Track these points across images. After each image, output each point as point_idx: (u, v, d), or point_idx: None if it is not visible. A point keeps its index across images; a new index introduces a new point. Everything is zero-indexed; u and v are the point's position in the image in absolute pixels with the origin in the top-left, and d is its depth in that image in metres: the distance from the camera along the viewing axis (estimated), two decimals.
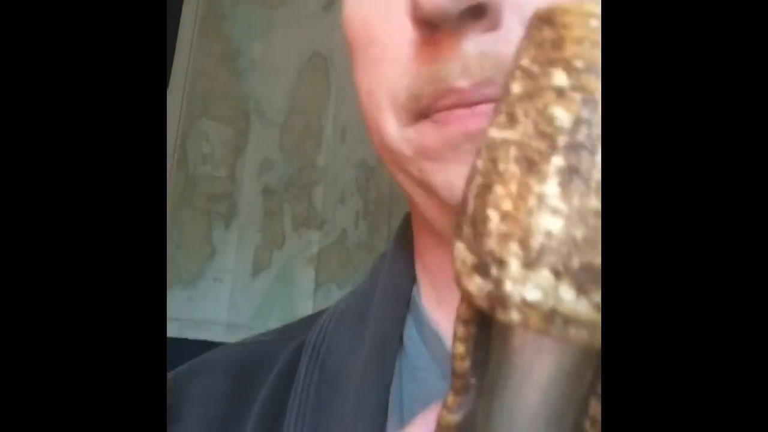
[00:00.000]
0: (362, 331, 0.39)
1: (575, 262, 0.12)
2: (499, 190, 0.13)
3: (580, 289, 0.12)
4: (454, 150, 0.30)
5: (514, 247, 0.13)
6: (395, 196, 1.28)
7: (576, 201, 0.12)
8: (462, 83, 0.29)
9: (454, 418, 0.15)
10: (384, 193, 1.30)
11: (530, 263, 0.13)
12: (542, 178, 0.13)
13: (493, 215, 0.13)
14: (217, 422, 0.39)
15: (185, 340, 1.29)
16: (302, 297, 1.35)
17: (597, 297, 0.12)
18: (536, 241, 0.12)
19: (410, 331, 0.37)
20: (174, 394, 0.40)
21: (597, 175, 0.12)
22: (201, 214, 1.37)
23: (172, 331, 1.33)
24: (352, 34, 0.34)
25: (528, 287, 0.13)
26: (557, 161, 0.12)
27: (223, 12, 1.42)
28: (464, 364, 0.15)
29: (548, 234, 0.12)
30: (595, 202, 0.12)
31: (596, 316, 0.13)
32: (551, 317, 0.13)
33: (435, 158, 0.31)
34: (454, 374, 0.15)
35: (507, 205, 0.13)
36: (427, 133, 0.31)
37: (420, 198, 0.34)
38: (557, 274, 0.12)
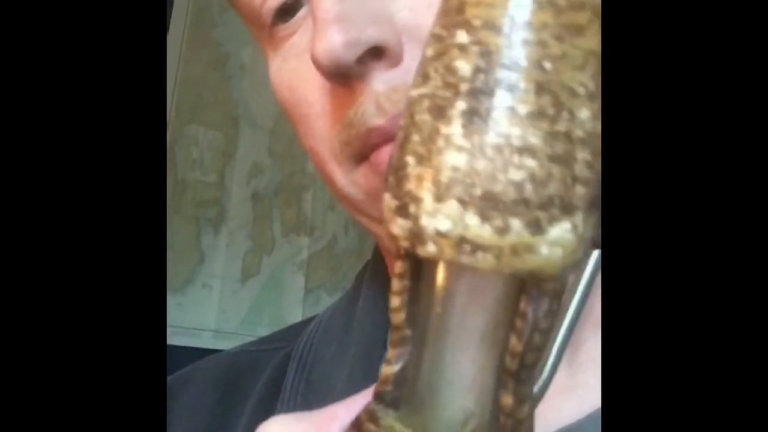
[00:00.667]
0: (347, 339, 0.39)
1: (478, 192, 0.14)
2: (414, 137, 0.15)
3: (483, 216, 0.14)
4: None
5: (427, 184, 0.15)
6: None
7: (477, 138, 0.14)
8: (378, 121, 0.30)
9: (392, 369, 0.16)
10: None
11: (440, 196, 0.14)
12: (448, 121, 0.15)
13: (410, 160, 0.15)
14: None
15: (174, 347, 1.28)
16: (292, 303, 1.35)
17: (499, 222, 0.14)
18: (444, 176, 0.14)
19: None
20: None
21: (495, 114, 0.14)
22: (190, 219, 1.37)
23: None
24: (281, 99, 0.35)
25: (439, 218, 0.14)
26: (460, 105, 0.14)
27: (212, 18, 1.42)
28: (400, 317, 0.16)
29: (454, 168, 0.14)
30: (494, 138, 0.14)
31: (500, 241, 0.14)
32: (460, 245, 0.14)
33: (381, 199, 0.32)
34: (392, 327, 0.16)
35: (421, 149, 0.15)
36: (368, 177, 0.32)
37: (385, 234, 0.34)
38: (463, 203, 0.14)
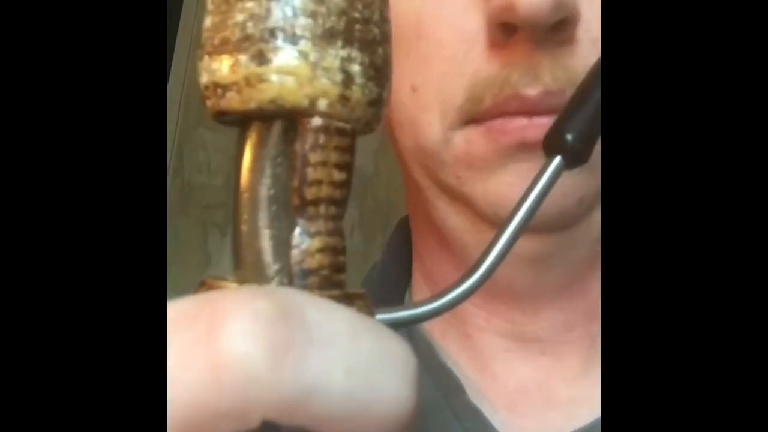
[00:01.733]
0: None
1: (216, 41, 0.16)
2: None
3: (219, 59, 0.16)
4: (503, 159, 0.29)
5: (200, 51, 0.17)
6: (391, 205, 1.28)
7: (217, 1, 0.16)
8: (531, 91, 0.28)
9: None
10: (380, 202, 1.30)
11: (201, 56, 0.17)
12: None
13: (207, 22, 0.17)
14: None
15: None
16: None
17: (230, 60, 0.16)
18: (203, 38, 0.17)
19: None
20: None
21: None
22: (197, 222, 1.37)
23: None
24: (400, 26, 0.31)
25: (203, 74, 0.17)
26: None
27: None
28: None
29: (207, 29, 0.17)
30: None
31: (234, 76, 0.16)
32: (215, 90, 0.16)
33: (480, 167, 0.30)
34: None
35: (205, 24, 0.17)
36: (476, 141, 0.30)
37: (443, 206, 0.33)
38: (210, 54, 0.16)
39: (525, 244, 0.32)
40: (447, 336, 0.36)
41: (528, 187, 0.22)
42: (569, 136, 0.22)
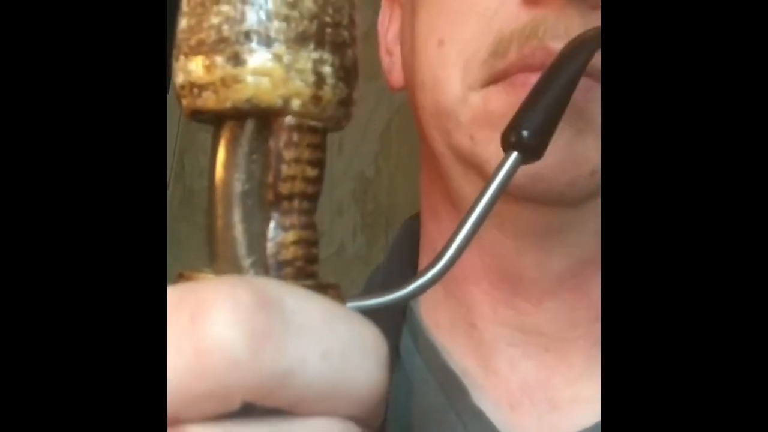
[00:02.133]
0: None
1: (192, 42, 0.17)
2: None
3: (195, 60, 0.17)
4: None
5: (174, 51, 0.18)
6: (393, 208, 1.28)
7: (192, 3, 0.17)
8: (558, 44, 0.28)
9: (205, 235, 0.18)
10: (382, 205, 1.30)
11: (176, 57, 0.17)
12: None
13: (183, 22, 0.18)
14: None
15: None
16: None
17: (206, 61, 0.17)
18: (178, 39, 0.17)
19: (406, 342, 0.37)
20: None
21: None
22: (199, 228, 1.37)
23: None
24: None
25: (179, 75, 0.17)
26: None
27: None
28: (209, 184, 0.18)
29: (181, 30, 0.17)
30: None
31: (211, 77, 0.17)
32: (191, 90, 0.17)
33: (495, 124, 0.29)
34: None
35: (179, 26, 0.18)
36: (494, 98, 0.30)
37: (457, 175, 0.33)
38: (186, 55, 0.17)
39: (532, 217, 0.32)
40: (454, 327, 0.36)
41: (487, 181, 0.23)
42: (525, 133, 0.23)
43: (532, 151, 0.23)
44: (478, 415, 0.33)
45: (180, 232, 1.36)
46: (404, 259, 0.40)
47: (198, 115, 0.18)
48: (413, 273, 0.40)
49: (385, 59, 0.40)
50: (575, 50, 0.26)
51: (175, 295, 0.16)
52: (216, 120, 0.18)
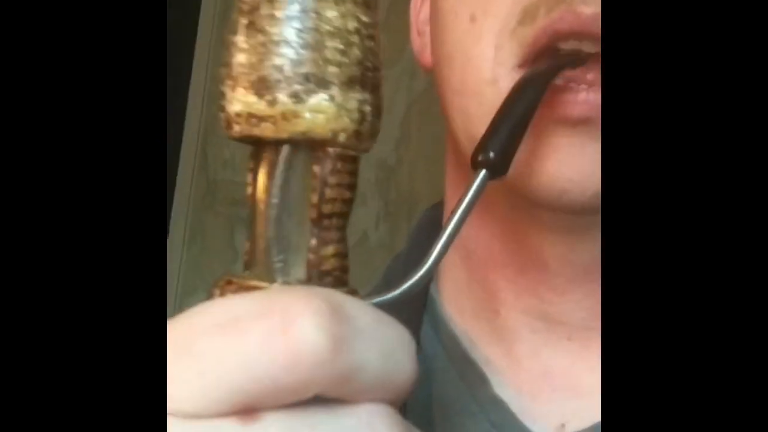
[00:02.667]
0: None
1: (254, 78, 0.19)
2: (224, 52, 0.20)
3: (258, 94, 0.19)
4: (549, 100, 0.29)
5: (228, 81, 0.20)
6: (414, 196, 1.28)
7: (252, 41, 0.19)
8: (586, 9, 0.28)
9: (246, 245, 0.21)
10: (404, 193, 1.30)
11: (233, 87, 0.19)
12: (236, 33, 0.20)
13: (222, 70, 0.20)
14: None
15: None
16: None
17: (269, 97, 0.19)
18: (234, 72, 0.19)
19: (426, 331, 0.37)
20: None
21: (261, 22, 0.19)
22: (223, 218, 1.38)
23: None
24: None
25: (234, 104, 0.19)
26: (243, 21, 0.20)
27: None
28: (250, 202, 0.21)
29: (240, 65, 0.19)
30: (261, 38, 0.19)
31: (272, 110, 0.19)
32: (249, 119, 0.19)
33: None
34: (249, 210, 0.21)
35: (225, 58, 0.20)
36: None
37: (468, 157, 0.33)
38: (245, 88, 0.19)
39: (556, 218, 0.32)
40: (477, 315, 0.36)
41: (460, 196, 0.25)
42: (492, 154, 0.26)
43: (497, 168, 0.26)
44: (499, 404, 0.33)
45: (204, 223, 1.37)
46: (424, 248, 0.40)
47: (242, 138, 0.20)
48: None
49: (416, 41, 0.40)
50: (531, 80, 0.28)
51: (259, 303, 0.18)
52: (254, 142, 0.20)
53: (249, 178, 0.21)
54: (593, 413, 0.32)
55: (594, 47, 0.29)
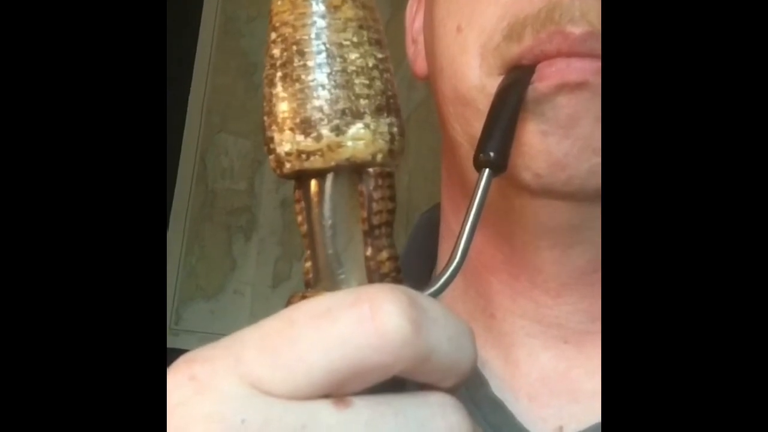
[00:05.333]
0: None
1: (297, 120, 0.22)
2: (264, 104, 0.23)
3: (305, 133, 0.22)
4: (540, 106, 0.29)
5: (273, 127, 0.23)
6: (413, 205, 1.28)
7: (290, 89, 0.22)
8: (574, 29, 0.28)
9: (307, 264, 0.23)
10: (401, 202, 1.30)
11: (280, 131, 0.22)
12: (274, 86, 0.23)
13: (265, 119, 0.23)
14: None
15: None
16: None
17: (314, 134, 0.22)
18: (279, 118, 0.22)
19: None
20: None
21: (296, 72, 0.22)
22: (221, 227, 1.38)
23: (194, 344, 1.33)
24: None
25: (283, 145, 0.22)
26: (278, 74, 0.23)
27: (239, 28, 1.44)
28: (303, 228, 0.23)
29: (282, 111, 0.22)
30: (298, 86, 0.22)
31: (319, 145, 0.22)
32: (299, 156, 0.22)
33: None
34: (302, 235, 0.23)
35: (266, 108, 0.23)
36: None
37: (469, 161, 0.32)
38: (292, 130, 0.22)
39: (550, 213, 0.32)
40: (473, 318, 0.36)
41: (471, 197, 0.27)
42: (491, 153, 0.28)
43: (498, 166, 0.28)
44: (497, 406, 0.33)
45: (203, 232, 1.37)
46: (422, 250, 0.41)
47: (290, 175, 0.23)
48: (432, 263, 0.40)
49: (410, 48, 0.40)
50: (514, 81, 0.29)
51: (348, 295, 0.20)
52: (298, 177, 0.23)
53: (298, 208, 0.23)
54: (591, 416, 0.32)
55: (580, 67, 0.29)
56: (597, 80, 0.28)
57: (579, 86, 0.29)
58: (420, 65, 0.39)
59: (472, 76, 0.31)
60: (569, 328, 0.34)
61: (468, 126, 0.33)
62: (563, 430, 0.33)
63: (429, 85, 0.38)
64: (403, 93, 1.29)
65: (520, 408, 0.34)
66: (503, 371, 0.35)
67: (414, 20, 0.40)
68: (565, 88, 0.29)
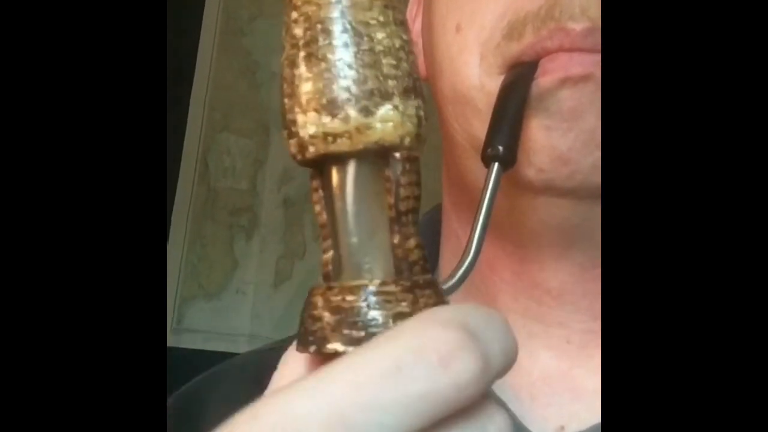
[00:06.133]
0: None
1: (324, 101, 0.21)
2: (284, 86, 0.22)
3: (332, 114, 0.21)
4: (543, 102, 0.29)
5: (296, 108, 0.21)
6: None
7: (315, 69, 0.21)
8: (575, 25, 0.28)
9: (327, 255, 0.22)
10: None
11: (304, 112, 0.21)
12: (297, 66, 0.21)
13: (285, 101, 0.22)
14: None
15: (209, 353, 1.29)
16: None
17: (342, 114, 0.21)
18: (303, 99, 0.21)
19: None
20: (195, 404, 0.40)
21: (321, 51, 0.21)
22: (223, 227, 1.38)
23: (197, 343, 1.33)
24: None
25: (308, 127, 0.21)
26: (301, 54, 0.21)
27: (241, 27, 1.44)
28: (322, 217, 0.22)
29: (306, 92, 0.21)
30: (324, 65, 0.21)
31: (347, 126, 0.21)
32: (325, 138, 0.21)
33: None
34: (319, 226, 0.22)
35: (288, 90, 0.22)
36: None
37: (475, 167, 0.33)
38: (317, 111, 0.21)
39: (551, 211, 0.32)
40: None
41: (482, 191, 0.27)
42: (500, 147, 0.28)
43: (507, 160, 0.28)
44: (499, 404, 0.33)
45: (205, 231, 1.37)
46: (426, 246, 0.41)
47: (311, 160, 0.22)
48: (434, 263, 0.40)
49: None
50: (517, 76, 0.29)
51: (410, 346, 0.19)
52: (318, 163, 0.22)
53: (315, 197, 0.23)
54: (593, 415, 0.32)
55: (582, 61, 0.29)
56: (600, 73, 0.28)
57: (582, 79, 0.28)
58: (420, 67, 0.39)
59: (472, 75, 0.31)
60: (571, 328, 0.34)
61: (468, 125, 0.32)
62: (564, 429, 0.33)
63: (429, 85, 0.38)
64: None
65: (521, 407, 0.34)
66: None
67: (414, 22, 0.40)
68: (568, 81, 0.29)
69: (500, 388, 0.34)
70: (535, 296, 0.34)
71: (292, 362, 0.23)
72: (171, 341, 1.29)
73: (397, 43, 0.22)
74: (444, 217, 0.40)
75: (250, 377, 0.42)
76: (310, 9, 0.21)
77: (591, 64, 0.28)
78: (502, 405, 0.33)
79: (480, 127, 0.31)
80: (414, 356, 0.19)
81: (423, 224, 0.42)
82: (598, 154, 0.29)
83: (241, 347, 1.30)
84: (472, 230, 0.26)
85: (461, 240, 0.37)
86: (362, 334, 0.20)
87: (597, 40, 0.28)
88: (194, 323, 1.34)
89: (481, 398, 0.20)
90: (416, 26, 0.40)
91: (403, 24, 0.22)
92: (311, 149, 0.21)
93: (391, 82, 0.21)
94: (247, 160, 1.41)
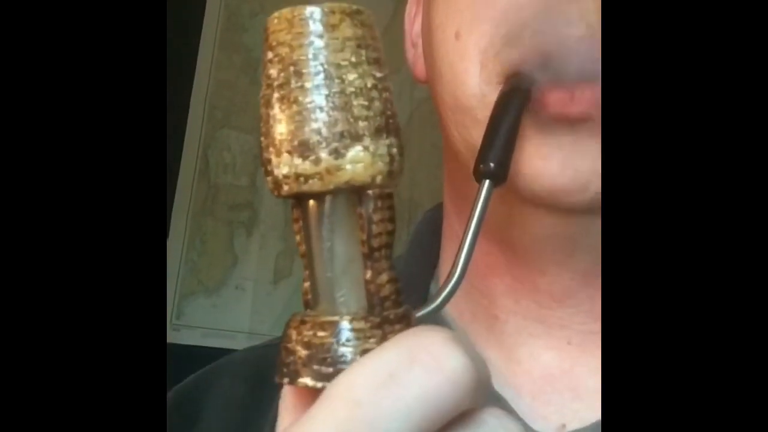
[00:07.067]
0: None
1: (295, 143, 0.21)
2: (261, 125, 0.22)
3: (303, 156, 0.21)
4: (537, 131, 0.29)
5: (271, 149, 0.22)
6: (415, 203, 1.28)
7: (287, 111, 0.22)
8: (574, 32, 0.28)
9: (305, 284, 0.23)
10: (404, 200, 1.30)
11: (278, 153, 0.22)
12: (271, 107, 0.22)
13: (262, 140, 0.22)
14: (236, 426, 0.39)
15: (209, 349, 1.30)
16: None
17: (313, 157, 0.21)
18: (276, 140, 0.22)
19: None
20: (194, 399, 0.40)
21: (293, 94, 0.22)
22: (223, 223, 1.38)
23: (196, 339, 1.34)
24: None
25: (281, 167, 0.22)
26: (275, 95, 0.22)
27: (242, 23, 1.44)
28: (302, 248, 0.23)
29: (280, 133, 0.22)
30: (296, 108, 0.21)
31: (317, 168, 0.21)
32: (297, 179, 0.22)
33: None
34: (300, 255, 0.23)
35: (264, 129, 0.22)
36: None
37: (469, 168, 0.32)
38: (290, 153, 0.22)
39: (552, 222, 0.32)
40: (476, 318, 0.36)
41: (472, 207, 0.27)
42: (492, 164, 0.28)
43: (498, 177, 0.28)
44: (500, 403, 0.33)
45: (205, 228, 1.37)
46: (425, 249, 0.41)
47: (288, 195, 0.22)
48: (434, 263, 0.40)
49: (410, 52, 0.40)
50: (515, 89, 0.29)
51: (401, 354, 0.20)
52: (297, 197, 0.23)
53: (296, 227, 0.23)
54: (593, 413, 0.32)
55: (579, 68, 0.29)
56: (598, 113, 0.28)
57: (580, 120, 0.29)
58: (420, 69, 0.39)
59: (472, 84, 0.31)
60: (572, 329, 0.34)
61: (467, 134, 0.32)
62: (566, 427, 0.33)
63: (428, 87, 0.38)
64: (406, 90, 1.30)
65: (523, 405, 0.34)
66: (505, 369, 0.35)
67: (413, 23, 0.40)
68: (566, 120, 0.29)
69: (501, 386, 0.34)
70: (537, 299, 0.34)
71: (291, 393, 0.23)
72: (170, 337, 1.29)
73: (369, 82, 0.22)
74: (445, 217, 0.40)
75: (249, 373, 0.42)
76: (283, 50, 0.22)
77: (591, 103, 0.28)
78: (503, 403, 0.33)
79: (479, 138, 0.31)
80: (406, 362, 0.19)
81: (423, 222, 0.43)
82: (597, 183, 0.30)
83: (240, 344, 1.30)
84: (459, 249, 0.26)
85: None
86: (330, 370, 0.21)
87: (595, 46, 0.28)
88: (193, 319, 1.34)
89: (489, 403, 0.20)
90: (416, 27, 0.40)
91: (377, 62, 0.22)
92: (285, 188, 0.22)
93: (362, 123, 0.22)
94: (248, 156, 1.40)
